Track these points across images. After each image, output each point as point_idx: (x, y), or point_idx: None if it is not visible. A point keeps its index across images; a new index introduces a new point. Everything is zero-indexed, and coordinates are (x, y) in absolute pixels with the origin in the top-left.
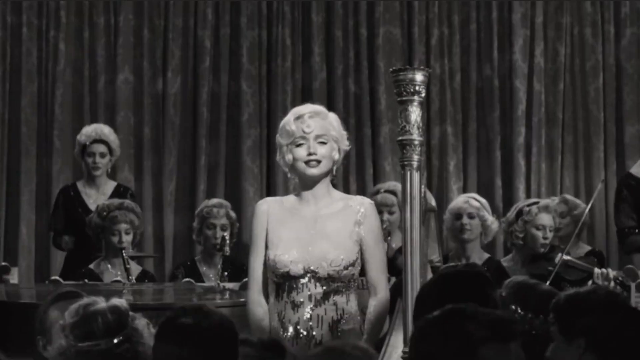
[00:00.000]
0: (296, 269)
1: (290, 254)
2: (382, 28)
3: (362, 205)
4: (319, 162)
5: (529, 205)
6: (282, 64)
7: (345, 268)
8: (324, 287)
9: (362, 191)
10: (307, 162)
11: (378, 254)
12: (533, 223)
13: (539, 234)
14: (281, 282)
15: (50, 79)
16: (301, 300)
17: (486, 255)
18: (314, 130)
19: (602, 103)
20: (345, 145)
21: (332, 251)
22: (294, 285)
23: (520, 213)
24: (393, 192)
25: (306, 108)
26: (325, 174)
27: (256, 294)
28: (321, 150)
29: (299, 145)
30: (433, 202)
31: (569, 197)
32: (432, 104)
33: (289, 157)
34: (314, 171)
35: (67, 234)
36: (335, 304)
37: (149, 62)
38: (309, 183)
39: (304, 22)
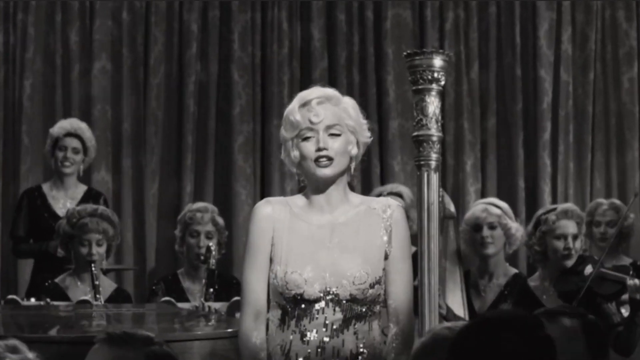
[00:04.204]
0: (312, 290)
1: (304, 272)
2: (391, 11)
3: (388, 208)
4: (330, 159)
5: (546, 212)
6: (278, 50)
7: (372, 286)
8: (345, 313)
9: (367, 195)
10: (316, 160)
11: (405, 271)
12: (552, 233)
13: (560, 244)
14: (289, 307)
15: (18, 67)
16: (314, 329)
17: (513, 271)
18: (324, 119)
19: (637, 95)
20: (366, 136)
21: (354, 266)
22: (307, 311)
23: (537, 223)
24: (399, 194)
25: (314, 92)
26: (341, 174)
27: (252, 320)
28: (334, 145)
29: (306, 138)
30: (452, 208)
31: (619, 203)
32: (446, 95)
33: (294, 154)
34: (325, 172)
35: (28, 241)
36: (355, 332)
37: (129, 49)
38: (320, 186)
39: (302, 4)
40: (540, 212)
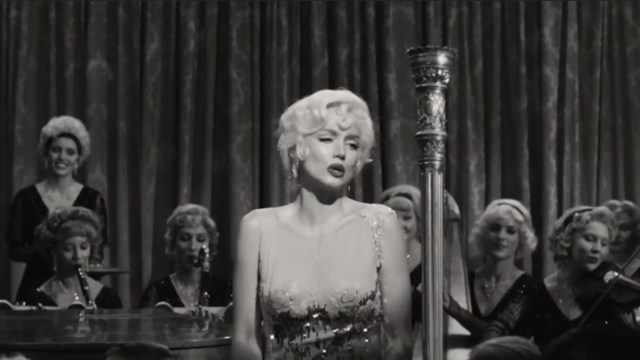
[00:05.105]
0: (298, 309)
1: (290, 290)
2: (393, 8)
3: (379, 215)
4: (342, 170)
5: (580, 211)
6: (277, 48)
7: (362, 302)
8: (336, 330)
9: (369, 196)
10: (330, 167)
11: (400, 283)
12: (583, 232)
13: (588, 245)
14: (280, 325)
15: (12, 66)
16: (307, 347)
17: (519, 273)
18: (350, 128)
19: None
20: (367, 156)
21: (342, 282)
22: (297, 329)
23: (569, 219)
24: (407, 195)
25: (343, 95)
26: (342, 189)
27: (244, 336)
28: (349, 156)
29: (325, 140)
30: (456, 210)
31: (633, 205)
32: (449, 94)
33: (304, 150)
34: (333, 181)
35: (24, 244)
36: (351, 350)
37: (125, 47)
38: (318, 193)
39: (302, 1)
40: (574, 209)
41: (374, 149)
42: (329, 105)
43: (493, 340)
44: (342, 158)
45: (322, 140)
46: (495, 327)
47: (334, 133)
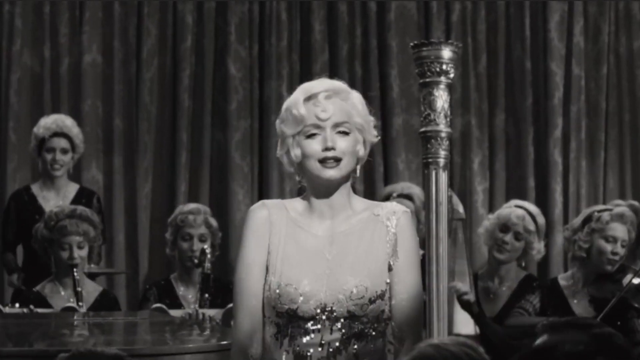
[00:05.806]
0: (306, 307)
1: (300, 286)
2: (395, 2)
3: (393, 215)
4: (338, 160)
5: (600, 211)
6: (276, 43)
7: (371, 301)
8: (343, 332)
9: (371, 194)
10: (322, 161)
11: (411, 283)
12: (602, 233)
13: (608, 247)
14: (282, 324)
15: (5, 61)
16: (309, 349)
17: (523, 273)
18: (333, 115)
19: None
20: (373, 135)
21: (351, 279)
22: (300, 330)
23: (588, 219)
24: (409, 197)
25: (320, 85)
26: (346, 178)
27: (247, 333)
28: (341, 144)
29: (311, 136)
30: (461, 209)
31: (639, 205)
32: (453, 90)
33: (296, 152)
34: (332, 173)
35: (17, 244)
36: (356, 353)
37: (121, 42)
38: (323, 189)
39: None
40: (594, 208)
41: (376, 126)
42: (306, 100)
43: (435, 341)
44: (332, 149)
45: (308, 137)
46: (517, 313)
47: (317, 127)
